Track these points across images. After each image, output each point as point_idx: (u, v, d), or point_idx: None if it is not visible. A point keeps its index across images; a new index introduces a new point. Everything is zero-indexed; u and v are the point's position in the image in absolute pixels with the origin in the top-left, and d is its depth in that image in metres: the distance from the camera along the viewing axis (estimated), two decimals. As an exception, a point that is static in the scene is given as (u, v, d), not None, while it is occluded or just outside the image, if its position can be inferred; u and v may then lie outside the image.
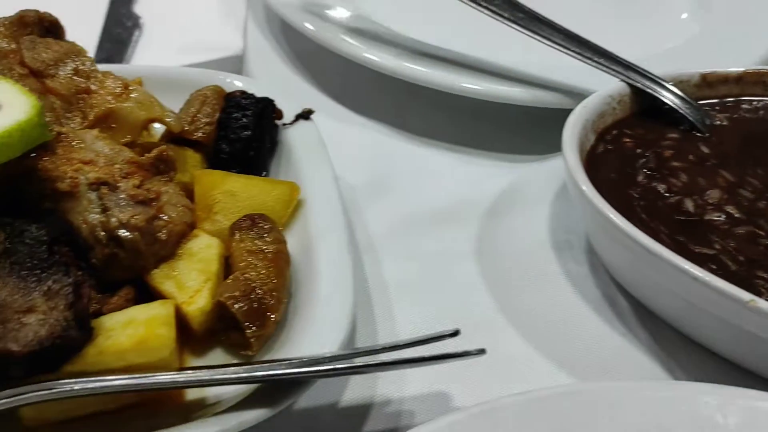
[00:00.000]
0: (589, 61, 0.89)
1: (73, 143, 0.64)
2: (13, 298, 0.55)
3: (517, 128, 0.98)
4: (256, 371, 0.56)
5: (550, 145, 0.84)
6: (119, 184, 0.63)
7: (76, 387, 0.53)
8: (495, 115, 0.98)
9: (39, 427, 0.57)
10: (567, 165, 0.74)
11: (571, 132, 0.78)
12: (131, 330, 0.57)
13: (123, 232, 0.61)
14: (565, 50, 0.89)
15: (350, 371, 0.59)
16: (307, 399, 0.65)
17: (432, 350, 0.59)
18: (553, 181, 0.88)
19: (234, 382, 0.57)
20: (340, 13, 1.08)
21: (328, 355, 0.58)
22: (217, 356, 0.65)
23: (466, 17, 0.96)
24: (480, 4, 0.92)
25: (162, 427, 0.56)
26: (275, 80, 1.06)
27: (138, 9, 1.17)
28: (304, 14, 1.05)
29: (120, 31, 1.09)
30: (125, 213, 0.61)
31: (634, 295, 0.75)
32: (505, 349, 0.70)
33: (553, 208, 0.85)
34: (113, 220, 0.61)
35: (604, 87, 0.85)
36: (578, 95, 0.87)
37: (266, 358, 0.63)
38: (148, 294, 0.65)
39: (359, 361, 0.59)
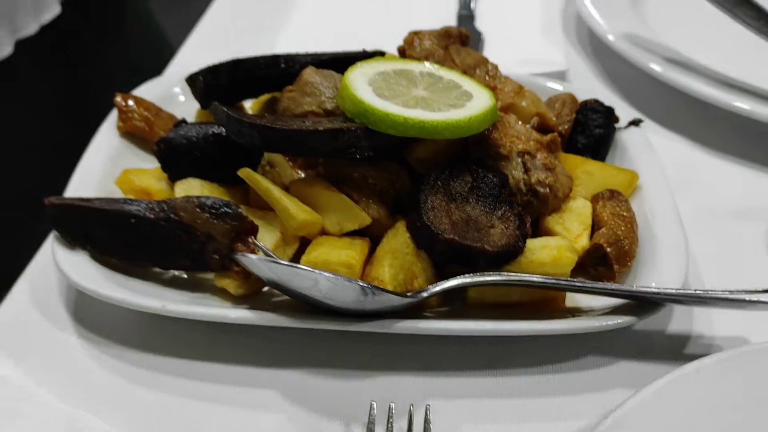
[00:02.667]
0: None
1: (506, 123, 0.94)
2: (481, 217, 0.85)
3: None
4: (626, 290, 0.83)
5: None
6: (537, 155, 0.92)
7: (519, 278, 0.82)
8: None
9: (477, 305, 0.87)
10: None
11: None
12: (548, 251, 0.85)
13: (539, 187, 0.90)
14: None
15: (694, 301, 0.83)
16: (642, 326, 0.90)
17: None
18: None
19: (611, 294, 0.83)
20: (658, 45, 1.32)
21: (672, 290, 0.83)
22: (580, 284, 0.92)
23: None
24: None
25: (551, 317, 0.84)
26: (592, 91, 1.31)
27: (478, 25, 1.48)
28: (627, 44, 1.30)
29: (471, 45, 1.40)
30: (542, 174, 0.90)
31: None
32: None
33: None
34: (534, 178, 0.90)
35: None
36: None
37: (620, 289, 0.89)
38: (535, 234, 0.94)
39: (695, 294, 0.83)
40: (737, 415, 0.72)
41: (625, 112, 1.13)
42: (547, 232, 0.93)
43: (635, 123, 1.11)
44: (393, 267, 0.85)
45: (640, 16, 1.45)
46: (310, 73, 0.98)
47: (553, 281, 0.82)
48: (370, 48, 1.09)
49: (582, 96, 1.12)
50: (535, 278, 0.82)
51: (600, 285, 0.83)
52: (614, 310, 0.85)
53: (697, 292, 0.82)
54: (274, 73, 0.99)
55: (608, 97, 1.28)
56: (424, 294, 0.80)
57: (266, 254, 0.83)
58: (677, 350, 0.88)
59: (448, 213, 0.84)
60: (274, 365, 0.84)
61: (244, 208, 0.86)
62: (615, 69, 1.37)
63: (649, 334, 0.90)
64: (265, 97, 1.07)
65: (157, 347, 0.86)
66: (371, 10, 1.56)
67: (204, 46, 1.46)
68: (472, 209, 0.86)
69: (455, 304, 0.88)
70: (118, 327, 0.88)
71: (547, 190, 0.90)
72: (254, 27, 1.51)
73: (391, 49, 1.10)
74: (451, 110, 0.87)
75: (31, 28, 1.37)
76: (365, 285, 0.76)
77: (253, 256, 0.80)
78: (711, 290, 0.84)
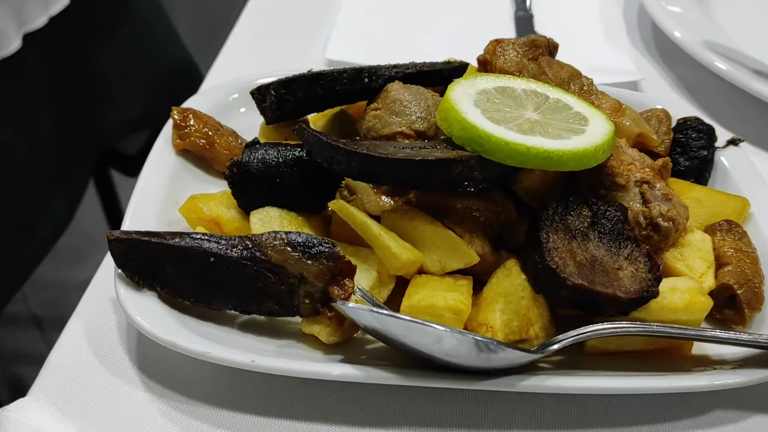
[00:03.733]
0: None
1: (620, 149, 0.85)
2: (606, 258, 0.76)
3: None
4: (762, 339, 0.74)
5: None
6: (657, 184, 0.83)
7: (646, 328, 0.73)
8: None
9: (595, 354, 0.78)
10: None
11: None
12: (679, 295, 0.76)
13: (662, 221, 0.81)
14: None
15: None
16: None
17: None
18: None
19: (745, 344, 0.75)
20: (735, 51, 1.23)
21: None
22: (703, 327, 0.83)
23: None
24: None
25: (682, 370, 0.75)
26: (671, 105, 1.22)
27: (537, 28, 1.38)
28: (705, 51, 1.21)
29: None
30: (664, 207, 0.81)
31: None
32: None
33: None
34: (656, 210, 0.81)
35: None
36: None
37: (747, 334, 0.81)
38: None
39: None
40: None
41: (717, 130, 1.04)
42: (667, 271, 0.83)
43: (734, 142, 1.02)
44: (505, 312, 0.75)
45: (710, 19, 1.36)
46: (398, 89, 0.87)
47: (693, 332, 0.74)
48: (439, 57, 0.99)
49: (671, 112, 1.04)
50: (671, 329, 0.74)
51: (734, 336, 0.75)
52: (748, 361, 0.76)
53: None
54: (356, 87, 0.88)
55: (691, 112, 1.20)
56: (554, 347, 0.71)
57: (370, 301, 0.73)
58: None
59: (571, 253, 0.75)
60: (367, 424, 0.74)
61: (340, 246, 0.77)
62: (690, 78, 1.28)
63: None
64: (330, 111, 0.96)
65: (235, 401, 0.75)
66: (417, 13, 1.45)
67: (243, 51, 1.34)
68: (596, 248, 0.76)
69: (569, 352, 0.78)
70: (188, 376, 0.77)
71: (670, 224, 0.81)
72: (296, 30, 1.40)
73: (462, 57, 1.00)
74: (572, 136, 0.77)
75: (39, 21, 1.27)
76: (494, 342, 0.67)
77: (356, 305, 0.70)
78: None
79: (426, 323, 0.66)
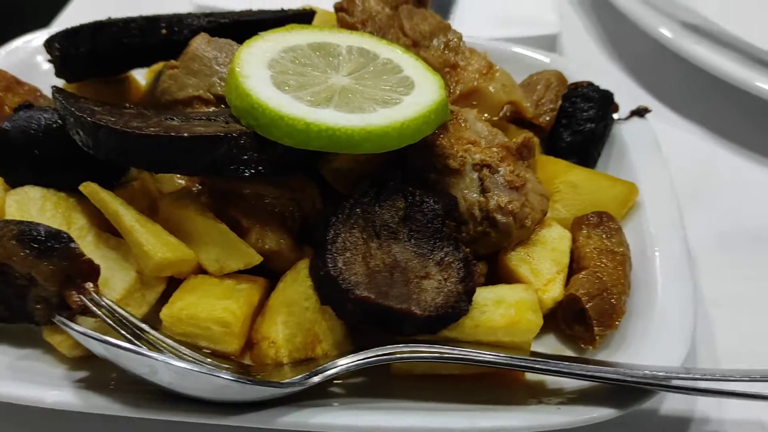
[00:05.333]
0: None
1: (462, 122, 0.69)
2: (412, 262, 0.61)
3: None
4: (606, 373, 0.59)
5: None
6: (499, 168, 0.67)
7: (456, 354, 0.59)
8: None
9: (404, 377, 0.64)
10: None
11: None
12: (503, 310, 0.61)
13: (500, 216, 0.65)
14: None
15: (696, 392, 0.60)
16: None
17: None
18: None
19: (583, 377, 0.60)
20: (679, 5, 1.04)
21: (671, 370, 0.60)
22: (550, 342, 0.69)
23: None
24: None
25: (506, 402, 0.61)
26: (588, 63, 1.05)
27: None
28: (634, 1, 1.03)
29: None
30: (504, 197, 0.66)
31: None
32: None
33: None
34: (492, 202, 0.66)
35: None
36: None
37: (601, 356, 0.66)
38: (492, 270, 0.70)
39: (703, 385, 0.60)
40: None
41: (629, 95, 0.87)
42: (508, 274, 0.69)
43: (639, 113, 0.85)
44: (288, 326, 0.62)
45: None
46: (199, 44, 0.72)
47: (505, 359, 0.59)
48: (296, 4, 0.83)
49: (575, 74, 0.87)
50: (482, 355, 0.59)
51: (567, 367, 0.60)
52: (588, 395, 0.62)
53: (699, 385, 0.59)
54: (152, 42, 0.73)
55: (610, 72, 1.02)
56: (315, 379, 0.57)
57: (112, 315, 0.59)
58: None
59: (366, 257, 0.60)
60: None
61: (93, 237, 0.63)
62: (620, 33, 1.10)
63: (640, 418, 0.67)
64: (159, 65, 0.81)
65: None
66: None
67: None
68: (402, 250, 0.62)
69: (375, 375, 0.65)
70: None
71: (510, 219, 0.66)
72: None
73: (327, 6, 0.84)
74: (378, 109, 0.61)
75: None
76: (227, 376, 0.53)
77: (80, 329, 0.56)
78: (723, 374, 0.61)
79: (133, 348, 0.53)
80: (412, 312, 0.58)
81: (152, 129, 0.59)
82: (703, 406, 0.68)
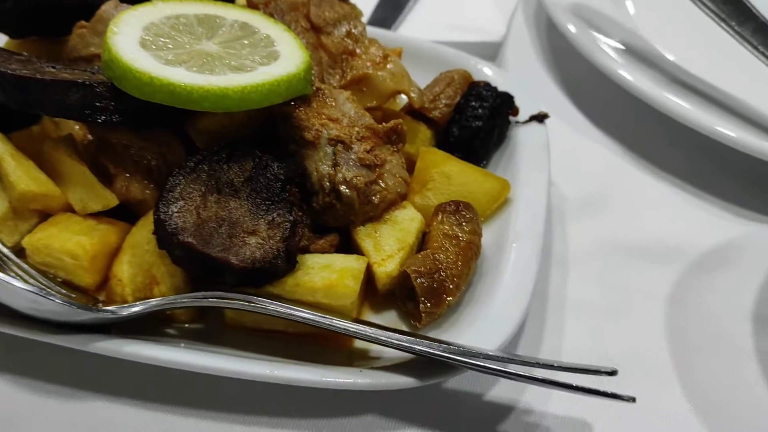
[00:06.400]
0: None
1: (327, 100, 0.73)
2: (244, 219, 0.65)
3: (756, 184, 0.91)
4: (418, 345, 0.62)
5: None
6: (353, 146, 0.71)
7: (270, 307, 0.63)
8: (739, 163, 0.92)
9: (237, 328, 0.68)
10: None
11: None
12: (326, 274, 0.65)
13: (344, 188, 0.69)
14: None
15: (499, 374, 0.62)
16: (458, 382, 0.70)
17: (585, 381, 0.60)
18: (778, 250, 0.82)
19: (396, 347, 0.63)
20: (608, 23, 1.06)
21: (487, 352, 0.62)
22: (391, 317, 0.72)
23: (737, 52, 0.91)
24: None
25: (327, 362, 0.64)
26: (525, 74, 1.07)
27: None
28: (570, 16, 1.05)
29: (400, -2, 1.17)
30: (350, 172, 0.70)
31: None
32: (664, 406, 0.68)
33: (769, 278, 0.80)
34: (339, 175, 0.69)
35: None
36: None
37: (432, 335, 0.68)
38: (348, 244, 0.74)
39: (512, 368, 0.62)
40: None
41: (552, 100, 0.90)
42: (355, 247, 0.72)
43: (538, 118, 0.88)
44: (132, 266, 0.67)
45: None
46: (108, 8, 0.78)
47: (319, 317, 0.62)
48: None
49: (502, 82, 0.89)
50: (299, 312, 0.63)
51: (376, 333, 0.63)
52: (400, 366, 0.64)
53: (508, 368, 0.61)
54: (70, 2, 0.80)
55: (545, 82, 1.05)
56: (134, 309, 0.62)
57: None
58: (481, 421, 0.67)
59: (199, 208, 0.65)
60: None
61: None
62: (563, 50, 1.11)
63: (455, 394, 0.69)
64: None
65: None
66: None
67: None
68: (237, 207, 0.66)
69: (211, 323, 0.69)
70: None
71: (354, 193, 0.69)
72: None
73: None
74: (229, 74, 0.66)
75: None
76: (39, 291, 0.59)
77: None
78: (530, 360, 0.63)
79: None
80: (229, 261, 0.62)
81: (24, 72, 0.66)
82: (529, 396, 0.69)
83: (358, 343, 0.68)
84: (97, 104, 0.65)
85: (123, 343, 0.62)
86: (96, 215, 0.70)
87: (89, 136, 0.77)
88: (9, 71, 0.65)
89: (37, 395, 0.66)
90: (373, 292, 0.71)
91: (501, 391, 0.70)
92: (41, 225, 0.69)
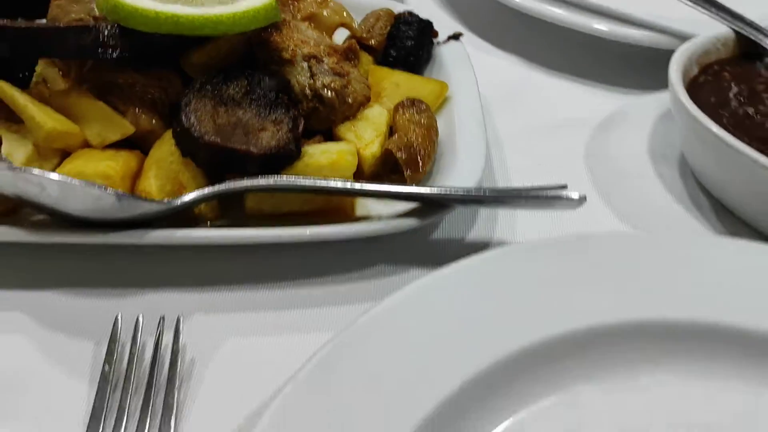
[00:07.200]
0: (702, 10, 1.05)
1: (294, 27, 0.87)
2: (253, 121, 0.78)
3: (632, 65, 1.15)
4: (417, 190, 0.77)
5: (661, 82, 1.00)
6: (324, 59, 0.86)
7: (295, 181, 0.76)
8: (612, 51, 1.15)
9: (257, 215, 0.80)
10: (671, 81, 0.90)
11: (678, 59, 0.94)
12: (327, 155, 0.79)
13: (326, 91, 0.84)
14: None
15: (480, 201, 0.79)
16: (442, 232, 0.85)
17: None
18: (657, 108, 1.05)
19: (401, 197, 0.78)
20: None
21: (468, 188, 0.78)
22: (378, 196, 0.86)
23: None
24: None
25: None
26: (430, 13, 1.25)
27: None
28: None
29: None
30: (327, 78, 0.84)
31: (715, 196, 0.90)
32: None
33: (655, 128, 1.02)
34: (319, 82, 0.84)
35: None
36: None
37: (415, 197, 0.84)
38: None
39: (489, 194, 0.79)
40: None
41: (451, 29, 1.08)
42: (339, 141, 0.87)
43: (455, 37, 1.06)
44: (159, 178, 0.78)
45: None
46: (81, -22, 0.89)
47: (324, 183, 0.76)
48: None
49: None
50: (307, 181, 0.76)
51: (373, 187, 0.77)
52: (400, 215, 0.80)
53: (482, 189, 0.78)
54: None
55: (445, 19, 1.24)
56: (185, 199, 0.73)
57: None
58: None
59: (213, 117, 0.77)
60: (19, 286, 0.76)
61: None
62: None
63: (449, 239, 0.85)
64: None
65: None
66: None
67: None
68: (244, 113, 0.79)
69: (234, 217, 0.81)
70: None
71: (333, 94, 0.84)
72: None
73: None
74: (217, 6, 0.79)
75: None
76: (101, 187, 0.69)
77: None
78: (500, 188, 0.80)
79: (22, 169, 0.68)
80: (250, 152, 0.75)
81: (34, 25, 0.76)
82: (500, 230, 0.86)
83: (360, 213, 0.83)
84: (110, 43, 0.77)
85: (175, 231, 0.73)
86: (111, 146, 0.81)
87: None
88: (19, 26, 0.75)
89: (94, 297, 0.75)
90: (361, 176, 0.86)
91: (479, 229, 0.86)
92: (66, 161, 0.79)
